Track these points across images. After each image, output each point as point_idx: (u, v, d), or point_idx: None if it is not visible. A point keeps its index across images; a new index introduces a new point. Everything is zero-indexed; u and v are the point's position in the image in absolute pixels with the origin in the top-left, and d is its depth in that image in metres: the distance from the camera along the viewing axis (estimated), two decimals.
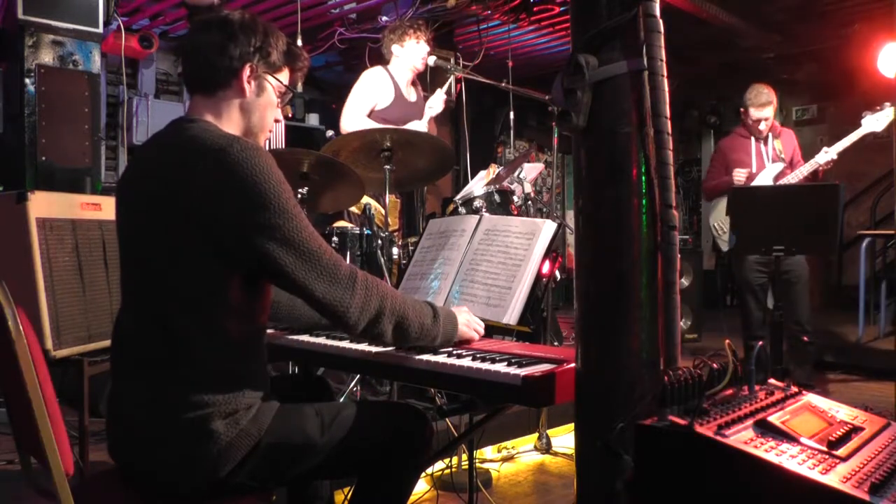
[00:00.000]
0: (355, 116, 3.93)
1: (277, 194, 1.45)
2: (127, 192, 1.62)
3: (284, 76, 1.69)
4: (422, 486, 2.84)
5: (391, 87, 4.02)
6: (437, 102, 4.04)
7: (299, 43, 4.18)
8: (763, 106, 4.27)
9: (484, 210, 3.22)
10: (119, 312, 1.62)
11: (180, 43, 1.64)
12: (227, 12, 1.64)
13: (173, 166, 1.50)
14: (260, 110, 1.65)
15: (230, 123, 1.62)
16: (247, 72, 1.60)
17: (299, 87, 1.73)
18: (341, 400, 2.81)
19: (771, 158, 4.31)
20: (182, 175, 1.48)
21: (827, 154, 4.09)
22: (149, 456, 1.49)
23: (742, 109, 4.41)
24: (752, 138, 4.37)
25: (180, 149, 1.52)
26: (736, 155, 4.42)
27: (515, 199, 3.43)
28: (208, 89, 1.60)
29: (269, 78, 1.64)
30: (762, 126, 4.31)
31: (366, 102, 3.98)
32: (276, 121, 1.72)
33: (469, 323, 1.81)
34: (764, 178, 4.26)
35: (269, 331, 1.90)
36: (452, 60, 4.27)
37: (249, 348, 1.55)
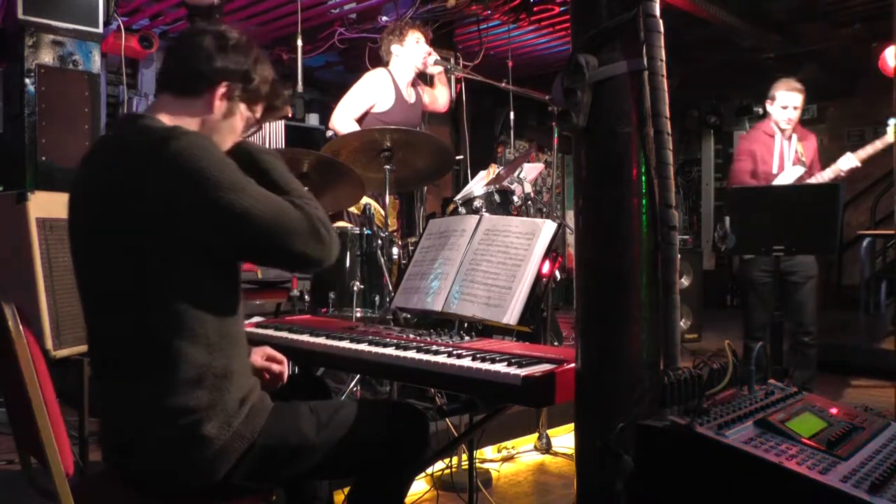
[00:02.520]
0: (344, 117, 3.94)
1: (222, 171, 1.42)
2: (79, 200, 1.57)
3: (258, 109, 1.64)
4: (422, 486, 2.84)
5: (392, 89, 4.02)
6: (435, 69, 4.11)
7: (299, 43, 4.18)
8: (792, 90, 4.08)
9: (484, 210, 3.22)
10: (87, 324, 1.57)
11: (172, 39, 1.61)
12: (227, 27, 1.61)
13: (119, 166, 1.47)
14: (221, 134, 1.60)
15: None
16: (222, 89, 1.56)
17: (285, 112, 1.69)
18: (342, 399, 2.80)
19: (792, 161, 4.14)
20: (129, 175, 1.44)
21: (849, 160, 3.94)
22: (143, 463, 1.48)
23: (768, 100, 4.21)
24: (777, 136, 4.16)
25: (125, 146, 1.49)
26: (759, 154, 4.20)
27: (515, 199, 3.43)
28: (178, 91, 1.56)
29: (242, 105, 1.60)
30: (788, 114, 4.09)
31: (361, 104, 3.98)
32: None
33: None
34: (783, 182, 4.10)
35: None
36: (452, 60, 4.26)
37: (229, 345, 1.51)
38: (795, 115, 4.11)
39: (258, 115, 1.65)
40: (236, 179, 1.44)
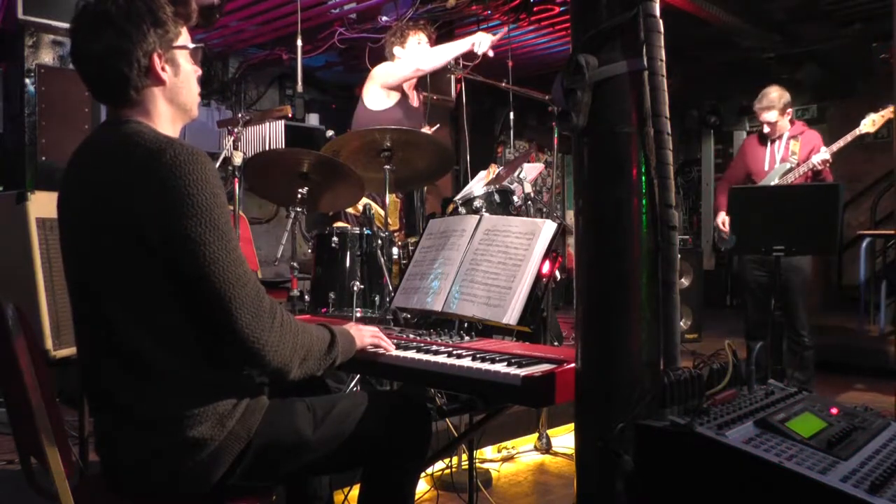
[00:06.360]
0: (379, 93, 3.91)
1: (209, 208, 1.38)
2: (66, 213, 1.55)
3: (185, 36, 1.57)
4: (422, 486, 2.83)
5: (398, 87, 4.02)
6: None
7: (299, 43, 4.18)
8: (764, 109, 4.34)
9: (484, 210, 3.22)
10: (77, 344, 1.55)
11: (73, 49, 1.51)
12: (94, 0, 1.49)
13: (106, 178, 1.44)
14: (185, 86, 1.56)
15: (163, 118, 1.54)
16: (157, 62, 1.49)
17: (194, 20, 1.56)
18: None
19: (780, 159, 4.35)
20: (115, 188, 1.41)
21: (819, 154, 4.14)
22: (141, 475, 1.47)
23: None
24: (768, 139, 4.44)
25: (112, 157, 1.45)
26: (751, 156, 4.50)
27: (515, 199, 3.43)
28: (129, 96, 1.50)
29: (177, 52, 1.53)
30: (766, 129, 4.38)
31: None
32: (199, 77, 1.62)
33: (371, 335, 1.78)
34: (770, 178, 4.30)
35: None
36: (452, 60, 4.24)
37: (215, 355, 1.48)
38: (772, 129, 4.36)
39: (188, 39, 1.57)
40: (219, 221, 1.39)
